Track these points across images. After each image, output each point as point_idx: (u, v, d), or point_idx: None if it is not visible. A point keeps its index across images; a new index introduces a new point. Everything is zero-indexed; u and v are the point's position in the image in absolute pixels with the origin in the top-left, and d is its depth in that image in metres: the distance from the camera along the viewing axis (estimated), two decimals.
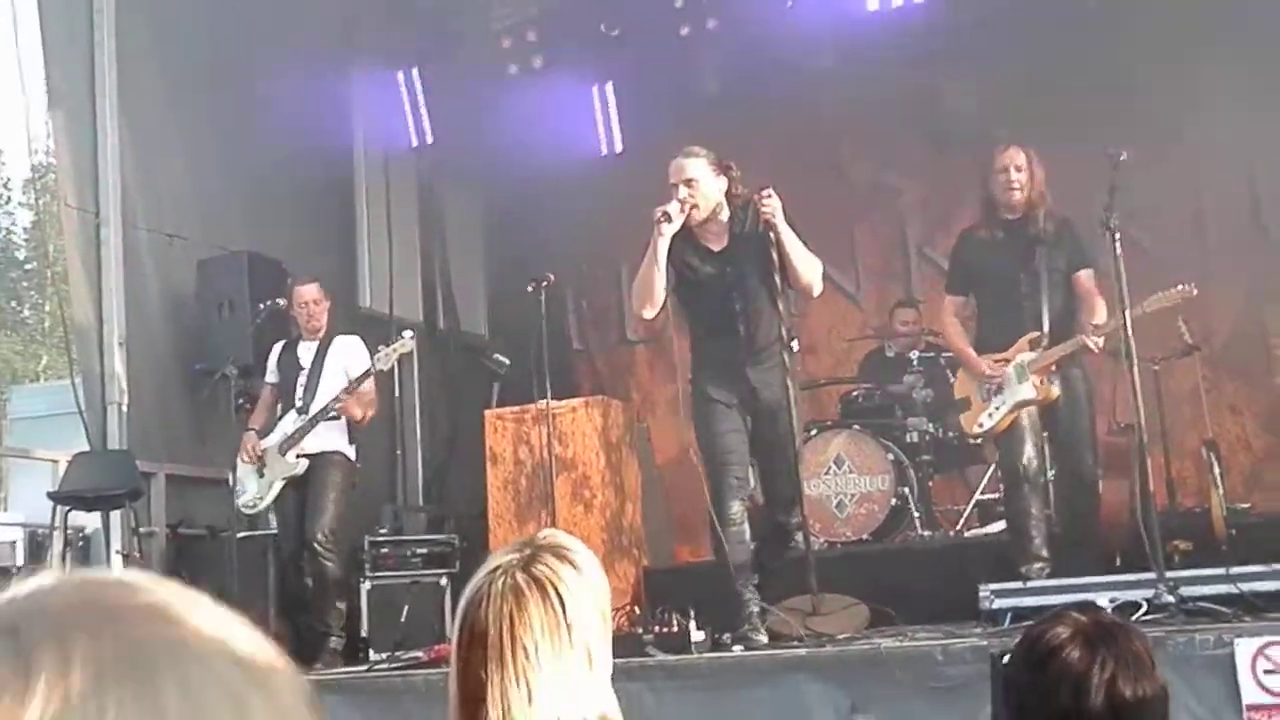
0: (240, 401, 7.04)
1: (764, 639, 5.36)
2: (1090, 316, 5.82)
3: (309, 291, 6.94)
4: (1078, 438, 5.88)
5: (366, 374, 6.70)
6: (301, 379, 6.81)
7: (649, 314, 5.45)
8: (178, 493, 7.51)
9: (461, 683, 1.86)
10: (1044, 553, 5.69)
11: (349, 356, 6.82)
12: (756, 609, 5.43)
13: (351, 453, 6.82)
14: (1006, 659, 2.11)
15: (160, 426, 7.51)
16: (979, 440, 6.69)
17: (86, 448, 7.17)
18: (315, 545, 6.51)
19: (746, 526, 5.47)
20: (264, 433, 6.83)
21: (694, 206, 5.37)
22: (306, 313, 6.90)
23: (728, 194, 5.46)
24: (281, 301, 7.13)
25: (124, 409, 7.24)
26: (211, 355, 7.44)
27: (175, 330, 7.76)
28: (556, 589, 1.86)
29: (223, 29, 7.95)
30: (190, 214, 7.96)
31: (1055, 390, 5.80)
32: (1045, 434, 5.98)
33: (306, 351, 6.89)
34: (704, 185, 5.37)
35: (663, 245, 5.31)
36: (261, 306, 7.21)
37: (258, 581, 6.98)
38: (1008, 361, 5.83)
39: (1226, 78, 7.92)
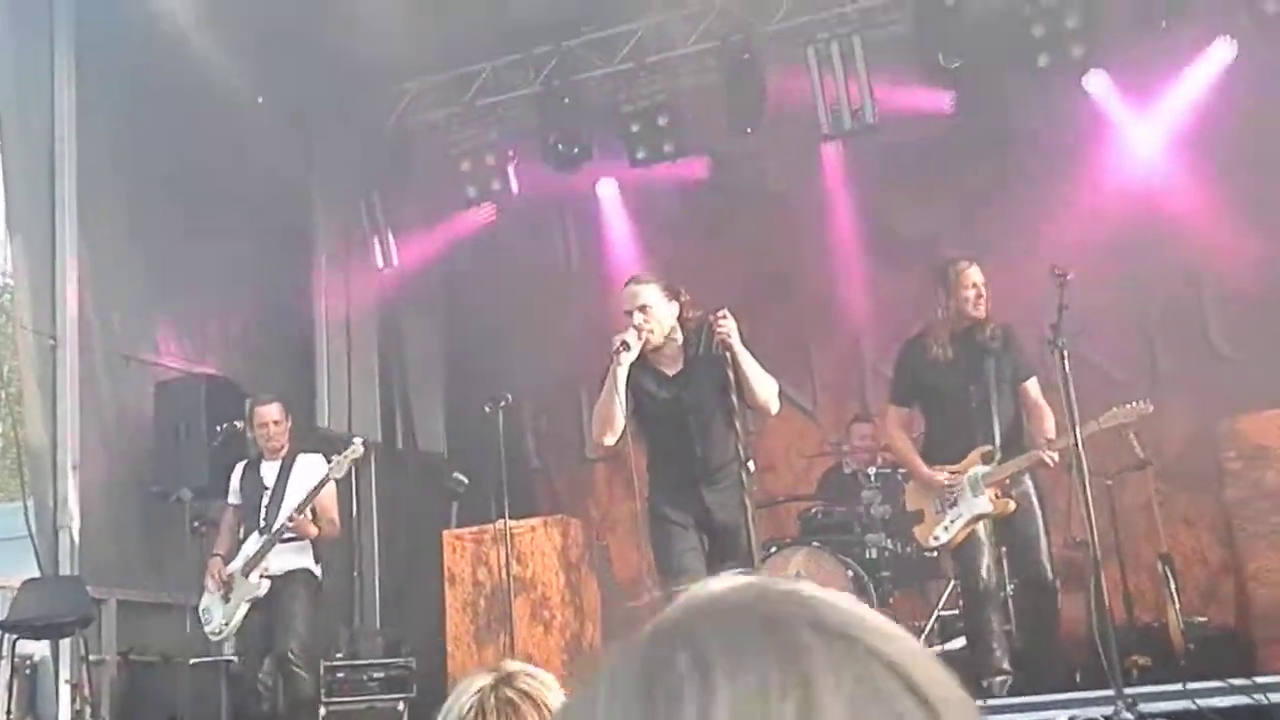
0: (195, 524, 6.96)
1: None
2: (1040, 428, 5.88)
3: (270, 412, 6.91)
4: (1034, 547, 5.86)
5: (323, 483, 6.64)
6: (265, 499, 6.75)
7: (610, 441, 5.45)
8: (129, 619, 7.37)
9: None
10: (1005, 665, 5.68)
11: (312, 475, 6.76)
12: None
13: (318, 571, 6.74)
14: None
15: (113, 551, 7.39)
16: (935, 553, 6.71)
17: (36, 573, 7.05)
18: (289, 657, 6.38)
19: None
20: (229, 558, 6.73)
21: (650, 332, 5.42)
22: (267, 433, 6.87)
23: (680, 318, 5.52)
24: (239, 424, 7.10)
25: (75, 534, 7.14)
26: (168, 478, 7.38)
27: (131, 453, 7.68)
28: (546, 703, 1.87)
29: (182, 156, 8.03)
30: (148, 336, 7.95)
31: (1011, 504, 5.83)
32: (1002, 547, 5.99)
33: (270, 471, 6.85)
34: (657, 311, 5.43)
35: (621, 374, 5.33)
36: (219, 429, 7.18)
37: (210, 709, 6.85)
38: (961, 474, 5.87)
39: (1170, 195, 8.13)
